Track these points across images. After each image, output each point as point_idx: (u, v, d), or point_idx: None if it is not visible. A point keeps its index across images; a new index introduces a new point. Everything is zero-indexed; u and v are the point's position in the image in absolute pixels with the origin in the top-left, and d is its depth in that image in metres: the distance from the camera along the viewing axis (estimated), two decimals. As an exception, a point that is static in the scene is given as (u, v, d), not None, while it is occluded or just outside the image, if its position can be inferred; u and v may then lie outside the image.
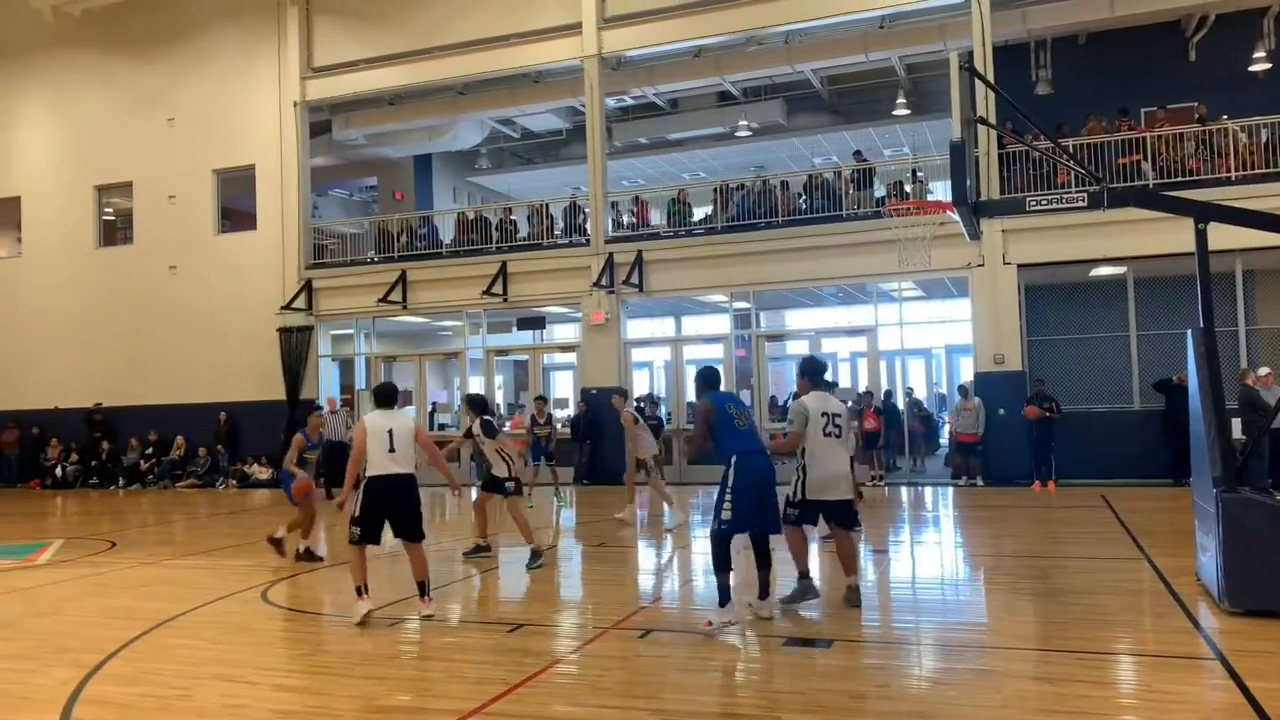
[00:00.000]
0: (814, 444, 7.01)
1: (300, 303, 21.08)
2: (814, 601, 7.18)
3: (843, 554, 7.33)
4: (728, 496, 6.66)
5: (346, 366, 22.77)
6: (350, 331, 22.15)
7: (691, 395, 21.24)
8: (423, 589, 7.42)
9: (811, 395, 7.18)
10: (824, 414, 7.08)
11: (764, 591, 6.94)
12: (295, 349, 21.16)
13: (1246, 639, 6.03)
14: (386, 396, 7.70)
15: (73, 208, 23.61)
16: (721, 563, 6.71)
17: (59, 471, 22.52)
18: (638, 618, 7.29)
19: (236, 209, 23.33)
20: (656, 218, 20.27)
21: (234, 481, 21.05)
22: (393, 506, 7.33)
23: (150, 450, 22.10)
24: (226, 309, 21.79)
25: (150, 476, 21.79)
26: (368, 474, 7.32)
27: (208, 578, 9.52)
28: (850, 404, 19.02)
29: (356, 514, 7.29)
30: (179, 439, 21.95)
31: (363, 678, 5.86)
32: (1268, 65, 17.01)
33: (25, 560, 11.19)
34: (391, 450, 7.29)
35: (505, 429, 20.63)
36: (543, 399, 16.59)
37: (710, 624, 6.60)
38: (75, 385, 22.74)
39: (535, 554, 9.61)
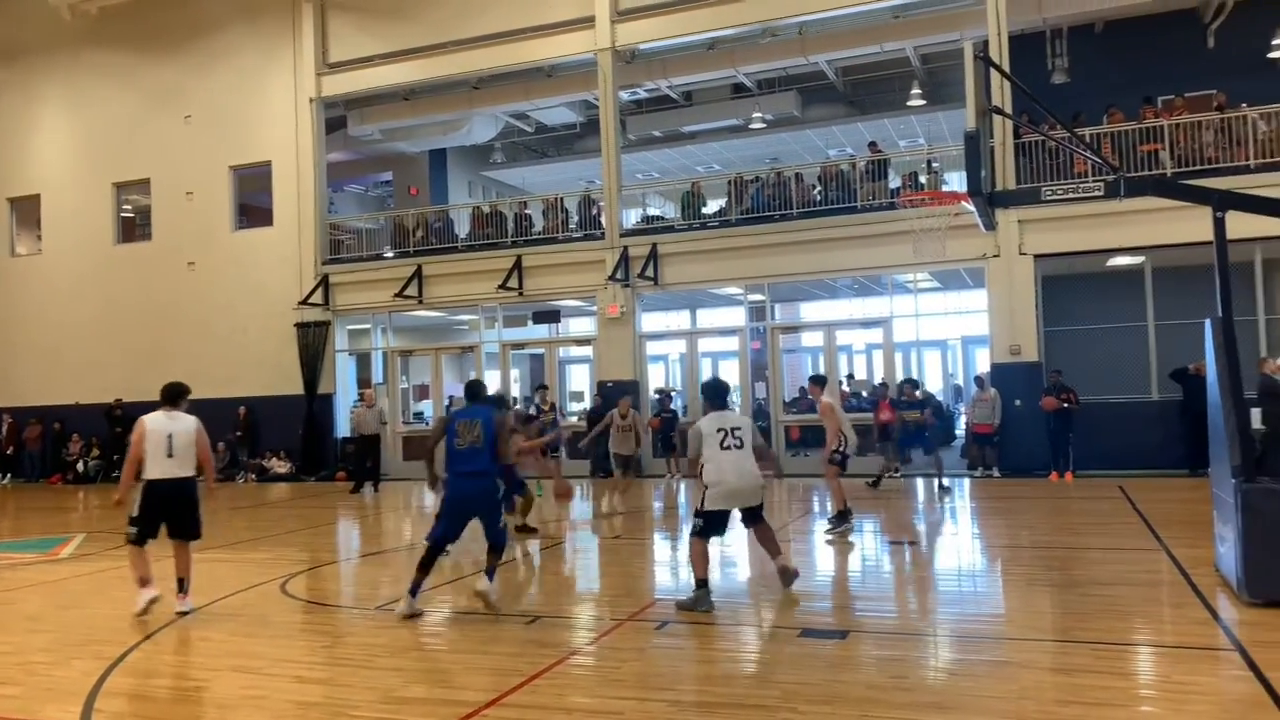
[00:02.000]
0: (712, 460, 7.29)
1: (317, 298, 21.20)
2: (707, 609, 7.07)
3: (761, 540, 7.65)
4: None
5: (364, 361, 22.91)
6: (367, 326, 22.26)
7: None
8: (181, 585, 7.56)
9: (708, 417, 7.53)
10: (719, 430, 7.37)
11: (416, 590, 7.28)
12: (312, 344, 21.29)
13: (1266, 630, 6.00)
14: (171, 397, 7.75)
15: (91, 205, 23.80)
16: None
17: (80, 466, 22.75)
18: (654, 610, 7.31)
19: (253, 205, 23.48)
20: (671, 211, 20.27)
21: (253, 475, 21.22)
22: (169, 509, 7.52)
23: (170, 445, 22.24)
24: (244, 304, 21.95)
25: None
26: (146, 476, 7.47)
27: (227, 571, 9.60)
28: (866, 394, 19.00)
29: (134, 514, 7.49)
30: (198, 434, 22.07)
31: (382, 669, 5.91)
32: (1288, 52, 16.82)
33: (48, 554, 11.33)
34: (170, 455, 7.44)
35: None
36: (544, 388, 16.58)
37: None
38: (95, 381, 22.93)
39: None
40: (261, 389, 21.53)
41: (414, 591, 7.19)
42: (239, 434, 21.65)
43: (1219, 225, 7.21)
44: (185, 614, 7.43)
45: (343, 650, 6.59)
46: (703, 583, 7.22)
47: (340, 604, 8.30)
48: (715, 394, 7.88)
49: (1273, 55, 16.99)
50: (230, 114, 22.46)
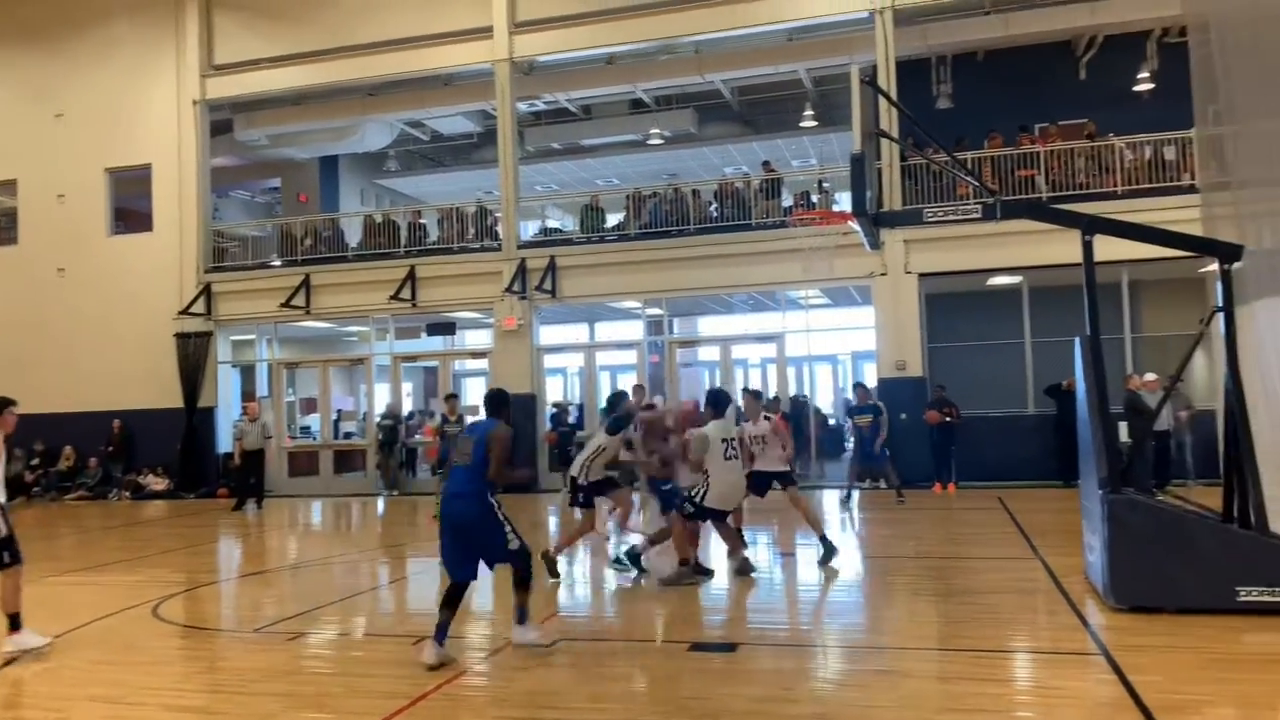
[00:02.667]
0: (716, 466, 8.26)
1: (199, 307, 20.38)
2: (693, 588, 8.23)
3: (726, 535, 8.94)
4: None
5: (247, 373, 22.11)
6: (252, 337, 21.50)
7: (603, 401, 21.31)
8: (13, 621, 6.77)
9: (713, 425, 8.40)
10: (723, 440, 8.32)
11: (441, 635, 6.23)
12: (193, 355, 20.45)
13: (1130, 634, 6.29)
14: None
15: (-49, 206, 22.41)
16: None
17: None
18: (546, 626, 7.23)
19: (132, 210, 22.45)
20: (570, 224, 20.25)
21: (127, 493, 20.21)
22: None
23: (36, 461, 21.05)
24: (120, 313, 20.93)
25: (36, 489, 20.75)
26: None
27: (94, 594, 9.11)
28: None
29: None
30: (68, 449, 20.97)
31: (260, 694, 5.68)
32: (1151, 85, 17.86)
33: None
34: None
35: (418, 436, 20.53)
36: (454, 396, 16.25)
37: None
38: (-47, 393, 21.52)
39: None
40: (138, 402, 20.54)
41: (439, 636, 6.14)
42: (111, 449, 20.61)
43: (1087, 248, 7.57)
44: (17, 657, 6.54)
45: (219, 676, 6.32)
46: (685, 562, 8.36)
47: (219, 627, 7.97)
48: (720, 403, 8.63)
49: (1138, 88, 18.01)
50: (107, 113, 21.45)
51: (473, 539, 6.31)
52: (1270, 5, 9.76)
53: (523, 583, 6.44)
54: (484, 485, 6.34)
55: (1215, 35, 10.15)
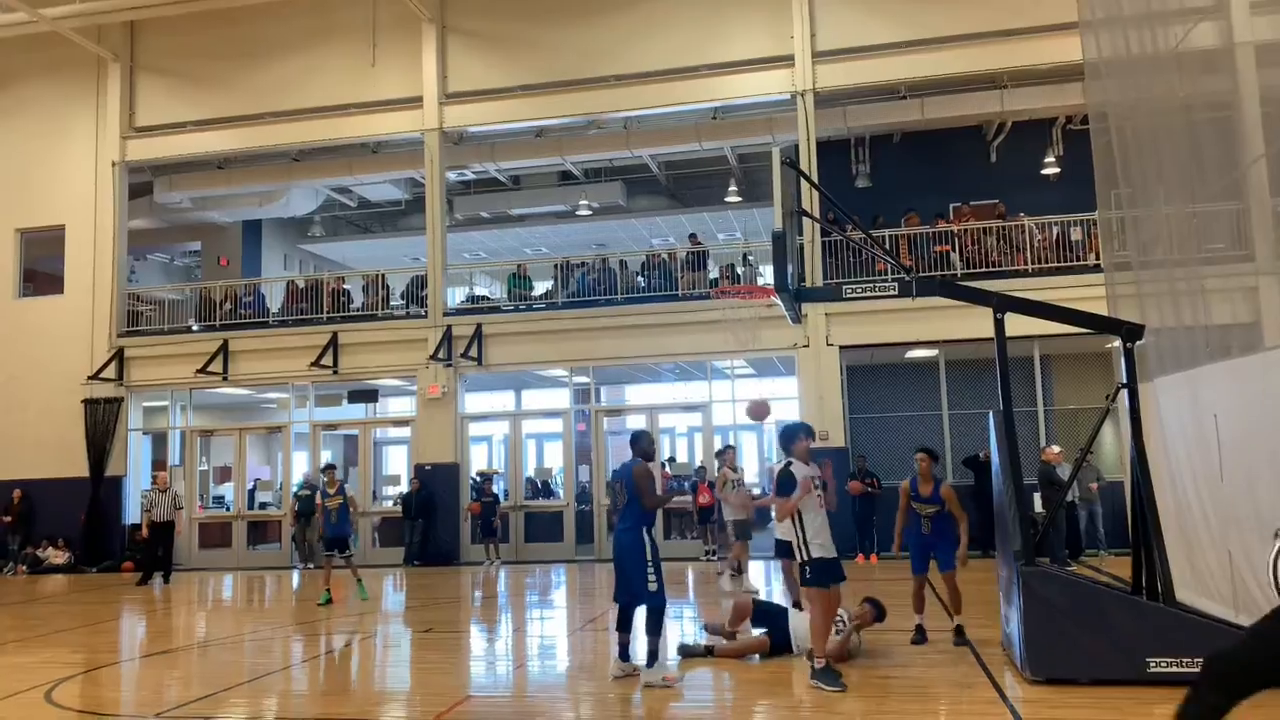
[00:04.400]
0: (809, 510, 7.19)
1: (110, 372, 19.72)
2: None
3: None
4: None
5: (159, 440, 21.37)
6: (165, 403, 20.85)
7: (530, 470, 21.11)
8: None
9: (797, 464, 7.26)
10: (806, 476, 7.25)
11: (623, 653, 7.43)
12: (102, 422, 19.71)
13: (1046, 707, 6.37)
14: None
15: None
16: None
17: None
18: (462, 708, 7.03)
19: (42, 271, 21.75)
20: (497, 291, 20.24)
21: (24, 567, 19.19)
22: None
23: (-74, 532, 19.91)
24: (25, 377, 20.13)
25: (-76, 562, 19.59)
26: None
27: (-17, 678, 8.56)
28: (688, 480, 19.30)
29: None
30: (-39, 520, 19.91)
31: (156, 787, 5.37)
32: (1057, 169, 18.77)
33: None
34: None
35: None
36: (331, 467, 14.03)
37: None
38: None
39: None
40: (40, 471, 19.68)
41: (622, 655, 7.39)
42: (10, 520, 19.61)
43: (999, 325, 7.83)
44: None
45: (113, 766, 5.97)
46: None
47: (118, 713, 7.55)
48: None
49: (1045, 171, 18.91)
50: (20, 172, 20.90)
51: (623, 568, 7.32)
52: (1163, 99, 10.41)
53: (652, 628, 7.14)
54: (639, 520, 7.25)
55: (1114, 124, 10.77)
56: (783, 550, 9.53)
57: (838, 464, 16.51)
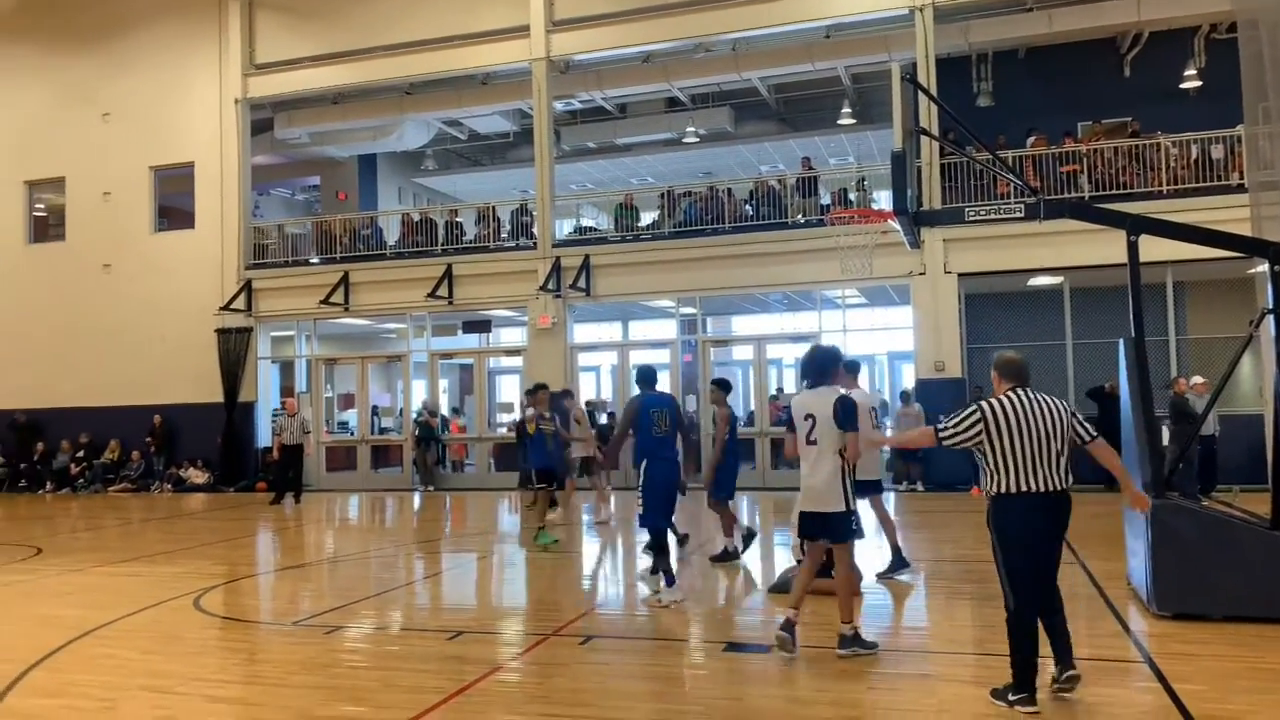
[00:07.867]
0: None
1: (239, 303, 20.67)
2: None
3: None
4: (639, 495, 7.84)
5: (287, 369, 22.40)
6: (291, 333, 21.77)
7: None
8: None
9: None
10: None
11: (669, 579, 7.73)
12: (234, 351, 20.73)
13: (1174, 642, 6.18)
14: None
15: (2, 203, 22.89)
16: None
17: (-19, 475, 21.79)
18: (579, 623, 7.25)
19: (174, 207, 22.82)
20: (604, 222, 20.28)
21: (169, 486, 20.56)
22: None
23: (81, 453, 21.48)
24: (163, 309, 21.29)
25: (81, 480, 21.17)
26: None
27: (138, 585, 9.25)
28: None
29: None
30: (113, 442, 21.37)
31: (298, 687, 5.74)
32: (1198, 83, 17.53)
33: (-55, 568, 10.79)
34: None
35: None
36: (542, 387, 12.38)
37: (659, 599, 7.61)
38: (2, 385, 22.04)
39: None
40: (179, 397, 20.89)
41: (670, 581, 7.67)
42: (152, 443, 20.96)
43: (1132, 248, 7.43)
44: None
45: (258, 668, 6.40)
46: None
47: (257, 620, 8.06)
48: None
49: (1184, 85, 17.68)
50: (152, 113, 21.82)
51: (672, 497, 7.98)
52: (1324, 1, 9.53)
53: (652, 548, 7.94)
54: (674, 451, 7.96)
55: (1265, 32, 9.95)
56: (869, 489, 8.53)
57: (955, 394, 16.27)
